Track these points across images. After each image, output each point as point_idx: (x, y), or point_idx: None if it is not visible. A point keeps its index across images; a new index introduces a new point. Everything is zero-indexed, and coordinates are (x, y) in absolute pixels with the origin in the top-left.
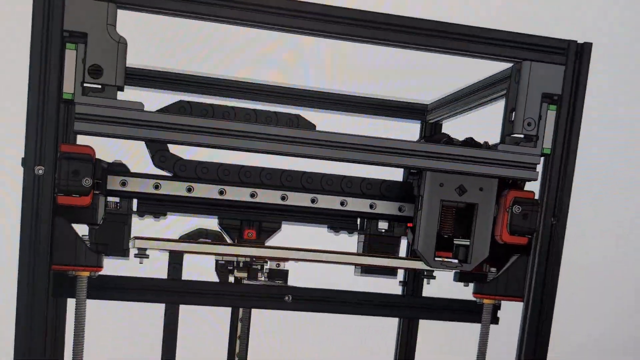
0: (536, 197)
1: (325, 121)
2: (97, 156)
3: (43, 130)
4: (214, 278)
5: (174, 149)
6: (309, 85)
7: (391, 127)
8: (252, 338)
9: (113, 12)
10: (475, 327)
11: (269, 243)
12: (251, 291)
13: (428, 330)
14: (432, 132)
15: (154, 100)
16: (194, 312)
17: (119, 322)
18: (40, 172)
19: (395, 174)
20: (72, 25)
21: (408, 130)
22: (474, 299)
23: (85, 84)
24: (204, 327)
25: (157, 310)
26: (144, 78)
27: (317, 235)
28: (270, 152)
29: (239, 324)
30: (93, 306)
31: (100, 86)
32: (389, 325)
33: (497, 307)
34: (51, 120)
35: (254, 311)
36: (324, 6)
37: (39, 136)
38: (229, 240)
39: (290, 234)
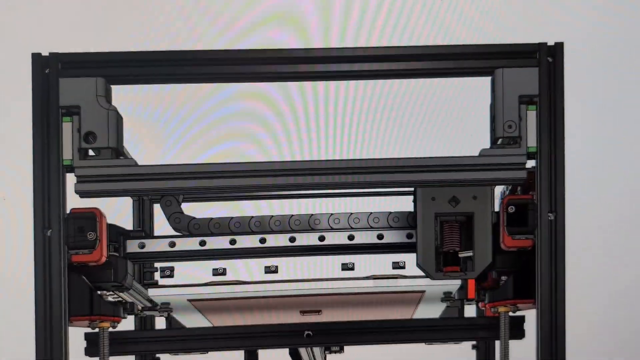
0: None
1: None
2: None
3: (50, 194)
4: None
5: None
6: None
7: None
8: None
9: (102, 84)
10: None
11: None
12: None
13: None
14: None
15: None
16: None
17: None
18: (49, 233)
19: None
20: (67, 101)
21: None
22: None
23: (83, 150)
24: None
25: None
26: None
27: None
28: (272, 185)
29: None
30: None
31: (97, 151)
32: None
33: (519, 319)
34: (55, 185)
35: None
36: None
37: (47, 200)
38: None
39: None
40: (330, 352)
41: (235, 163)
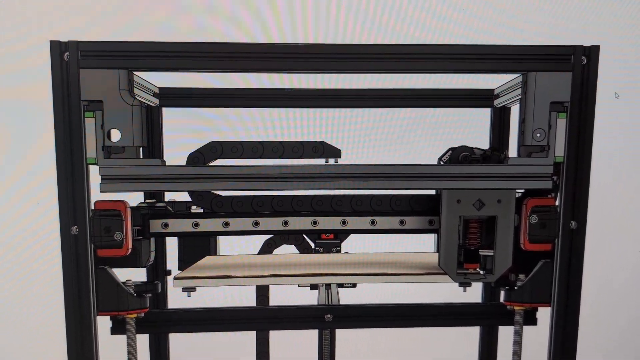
0: (557, 202)
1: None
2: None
3: (74, 193)
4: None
5: None
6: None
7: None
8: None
9: (124, 77)
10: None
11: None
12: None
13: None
14: (500, 117)
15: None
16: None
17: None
18: (76, 231)
19: None
20: (89, 95)
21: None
22: None
23: (107, 148)
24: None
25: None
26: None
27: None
28: (295, 189)
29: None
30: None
31: (121, 148)
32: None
33: (531, 311)
34: (80, 183)
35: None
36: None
37: (71, 198)
38: (310, 242)
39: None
40: (343, 287)
41: (263, 166)
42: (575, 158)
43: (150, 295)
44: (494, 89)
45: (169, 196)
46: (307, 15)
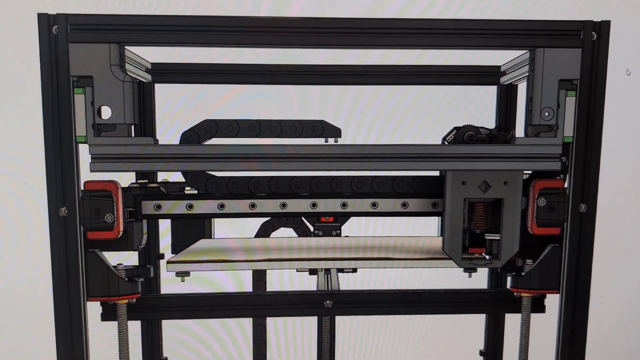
0: (566, 184)
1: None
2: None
3: (63, 173)
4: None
5: None
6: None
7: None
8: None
9: (115, 52)
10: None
11: None
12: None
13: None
14: (507, 95)
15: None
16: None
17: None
18: (64, 213)
19: None
20: (78, 70)
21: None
22: None
23: (97, 126)
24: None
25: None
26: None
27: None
28: (293, 170)
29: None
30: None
31: (112, 126)
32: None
33: (539, 298)
34: (69, 162)
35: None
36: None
37: (60, 179)
38: (309, 225)
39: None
40: (343, 272)
41: (260, 146)
42: (585, 138)
43: (142, 280)
44: (500, 66)
45: (161, 176)
46: None
